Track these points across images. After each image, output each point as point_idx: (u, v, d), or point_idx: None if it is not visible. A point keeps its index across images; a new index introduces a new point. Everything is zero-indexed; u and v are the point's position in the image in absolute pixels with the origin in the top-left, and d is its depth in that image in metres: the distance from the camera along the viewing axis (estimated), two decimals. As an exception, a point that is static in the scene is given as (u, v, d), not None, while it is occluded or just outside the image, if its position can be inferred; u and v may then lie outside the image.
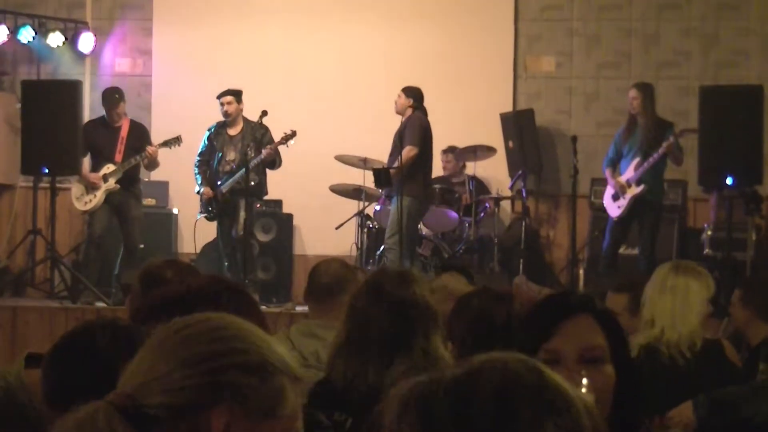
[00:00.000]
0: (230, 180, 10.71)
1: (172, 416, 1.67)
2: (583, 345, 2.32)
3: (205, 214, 10.93)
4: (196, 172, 10.90)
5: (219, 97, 10.87)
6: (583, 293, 2.43)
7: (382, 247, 10.78)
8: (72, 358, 2.57)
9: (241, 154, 10.68)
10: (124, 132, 10.83)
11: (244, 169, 10.49)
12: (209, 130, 10.95)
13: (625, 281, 5.69)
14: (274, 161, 10.70)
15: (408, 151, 10.38)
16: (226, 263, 10.83)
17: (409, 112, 10.58)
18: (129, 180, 10.81)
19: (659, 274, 5.00)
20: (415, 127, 10.48)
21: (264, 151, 10.53)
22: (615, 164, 10.46)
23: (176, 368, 1.69)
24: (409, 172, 10.40)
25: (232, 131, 10.87)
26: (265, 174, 10.85)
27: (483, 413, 1.40)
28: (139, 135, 10.93)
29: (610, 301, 5.34)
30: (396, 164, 10.38)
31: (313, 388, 3.63)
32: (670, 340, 4.80)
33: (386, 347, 3.57)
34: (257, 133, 10.70)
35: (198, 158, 10.93)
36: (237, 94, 10.87)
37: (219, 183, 10.75)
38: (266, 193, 11.01)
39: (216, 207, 10.82)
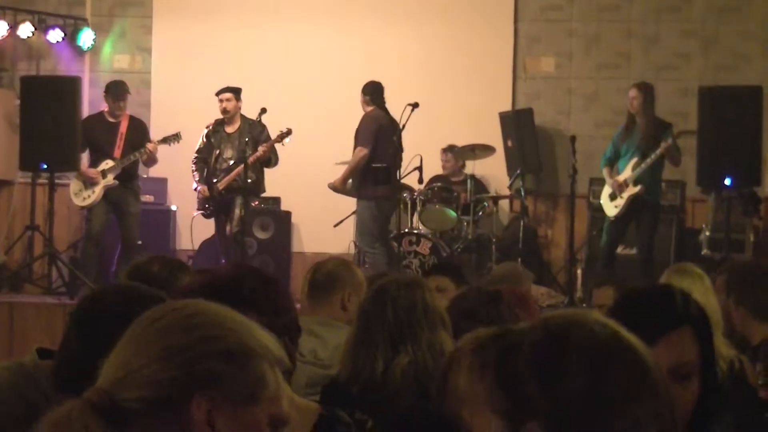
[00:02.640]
0: (227, 177, 10.72)
1: (151, 409, 1.67)
2: (676, 361, 2.20)
3: (201, 212, 10.95)
4: (194, 169, 10.92)
5: (218, 94, 10.88)
6: (685, 295, 2.19)
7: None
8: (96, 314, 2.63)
9: (239, 151, 10.68)
10: (123, 128, 10.83)
11: (241, 166, 10.51)
12: (207, 127, 10.96)
13: (608, 277, 5.66)
14: (270, 159, 10.71)
15: (357, 152, 10.42)
16: (224, 260, 10.83)
17: (367, 109, 10.61)
18: (127, 176, 10.81)
19: (703, 277, 4.87)
20: (365, 126, 10.49)
21: (260, 149, 10.55)
22: (612, 163, 10.47)
23: (152, 361, 1.69)
24: (364, 175, 10.44)
25: (230, 129, 10.88)
26: (262, 172, 10.85)
27: (576, 376, 1.47)
28: (139, 131, 10.93)
29: (597, 296, 5.32)
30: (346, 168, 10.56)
31: (326, 387, 3.67)
32: (718, 348, 4.69)
33: (393, 339, 3.60)
34: (255, 131, 10.71)
35: (195, 155, 10.94)
36: (236, 92, 10.87)
37: (215, 180, 10.76)
38: (264, 191, 11.01)
39: (213, 204, 10.82)
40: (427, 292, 3.74)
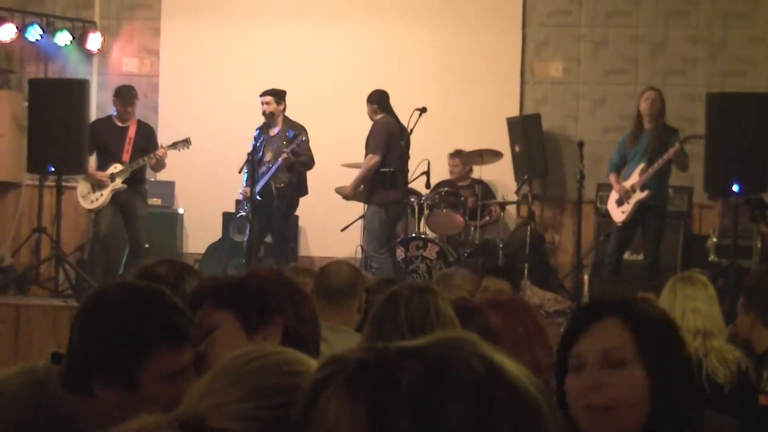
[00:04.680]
0: (262, 181, 10.74)
1: None
2: (604, 347, 2.29)
3: (243, 213, 11.00)
4: (245, 170, 10.85)
5: (260, 96, 10.91)
6: (620, 296, 2.41)
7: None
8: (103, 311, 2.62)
9: (276, 155, 10.71)
10: (131, 132, 10.86)
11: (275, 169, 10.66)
12: (258, 129, 10.95)
13: (650, 284, 5.70)
14: (293, 165, 10.73)
15: (369, 160, 10.50)
16: (244, 260, 10.77)
17: (375, 117, 10.66)
18: (135, 180, 10.83)
19: (707, 285, 4.94)
20: (376, 133, 10.55)
21: (281, 158, 10.60)
22: (619, 169, 10.45)
23: (248, 397, 1.69)
24: (374, 180, 10.47)
25: (272, 131, 10.92)
26: (299, 174, 10.86)
27: (456, 418, 1.37)
28: (147, 136, 10.97)
29: None
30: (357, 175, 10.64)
31: None
32: (722, 352, 4.75)
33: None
34: (290, 135, 10.76)
35: (247, 156, 10.82)
36: (277, 95, 10.91)
37: (259, 183, 10.78)
38: (305, 193, 11.00)
39: (251, 206, 10.73)
40: (439, 297, 3.74)
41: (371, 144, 10.55)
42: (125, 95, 10.95)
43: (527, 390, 1.43)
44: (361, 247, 11.14)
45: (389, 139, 10.51)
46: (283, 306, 2.84)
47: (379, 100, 10.72)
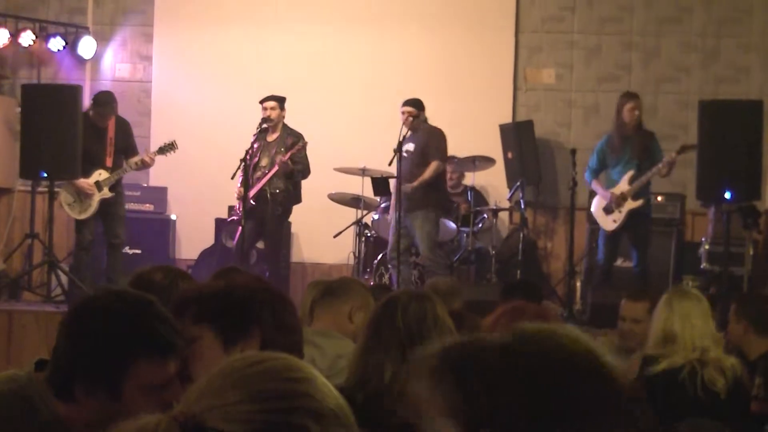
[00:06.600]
0: (258, 186, 10.72)
1: None
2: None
3: (234, 216, 10.97)
4: (239, 176, 10.77)
5: (262, 102, 10.86)
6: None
7: (379, 256, 10.85)
8: (89, 320, 2.62)
9: (272, 161, 10.69)
10: (111, 132, 10.67)
11: (268, 176, 10.64)
12: (255, 134, 10.88)
13: (639, 289, 5.71)
14: (292, 172, 10.72)
15: (438, 167, 10.59)
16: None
17: (424, 125, 10.66)
18: (115, 182, 10.72)
19: (701, 300, 4.99)
20: (442, 141, 10.65)
21: (276, 164, 10.60)
22: (598, 175, 10.48)
23: (247, 400, 1.68)
24: (435, 185, 10.55)
25: (270, 137, 10.88)
26: (293, 181, 10.84)
27: (526, 390, 1.40)
28: (125, 132, 10.78)
29: (629, 310, 5.40)
30: (421, 177, 10.59)
31: None
32: (720, 361, 4.78)
33: (402, 347, 3.60)
34: (288, 142, 10.74)
35: (240, 162, 10.74)
36: (280, 100, 10.90)
37: (251, 187, 10.74)
38: (299, 201, 10.98)
39: (243, 209, 10.69)
40: (438, 305, 3.76)
41: (437, 152, 10.58)
42: (105, 104, 10.70)
43: (613, 374, 1.48)
44: (354, 253, 11.12)
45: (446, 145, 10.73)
46: (261, 316, 2.83)
47: (423, 107, 10.75)
